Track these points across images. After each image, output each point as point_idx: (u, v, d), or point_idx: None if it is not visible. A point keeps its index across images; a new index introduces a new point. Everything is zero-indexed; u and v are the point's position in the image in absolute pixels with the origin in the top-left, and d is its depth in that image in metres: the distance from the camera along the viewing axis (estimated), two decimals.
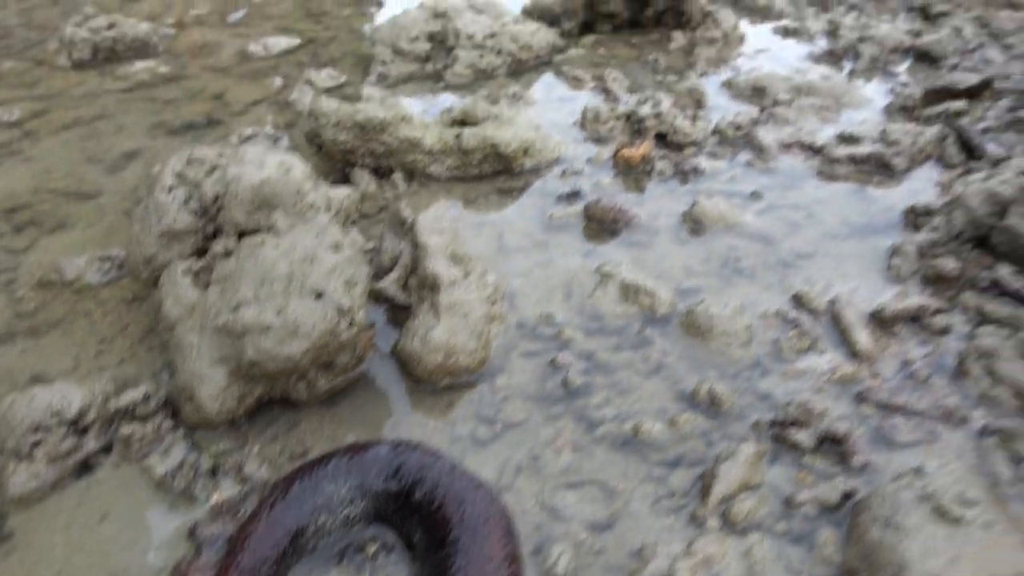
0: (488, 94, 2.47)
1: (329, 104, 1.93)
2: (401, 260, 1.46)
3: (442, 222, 1.51)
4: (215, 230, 1.43)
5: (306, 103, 2.41)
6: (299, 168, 1.51)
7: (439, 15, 2.78)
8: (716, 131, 2.12)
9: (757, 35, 2.91)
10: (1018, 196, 1.54)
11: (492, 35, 2.66)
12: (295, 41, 3.07)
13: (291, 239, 1.31)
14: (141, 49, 3.01)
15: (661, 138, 2.09)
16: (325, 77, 2.65)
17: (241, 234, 1.37)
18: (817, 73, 2.40)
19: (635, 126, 2.13)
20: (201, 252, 1.44)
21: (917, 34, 2.73)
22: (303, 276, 1.25)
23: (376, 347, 1.41)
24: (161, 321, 1.32)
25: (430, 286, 1.37)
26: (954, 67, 2.51)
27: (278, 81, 2.69)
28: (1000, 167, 1.74)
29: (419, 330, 1.31)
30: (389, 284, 1.45)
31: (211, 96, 2.62)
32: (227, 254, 1.34)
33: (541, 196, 1.91)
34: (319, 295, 1.23)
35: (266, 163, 1.47)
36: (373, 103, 2.00)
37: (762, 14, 3.13)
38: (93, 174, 2.13)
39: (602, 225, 1.75)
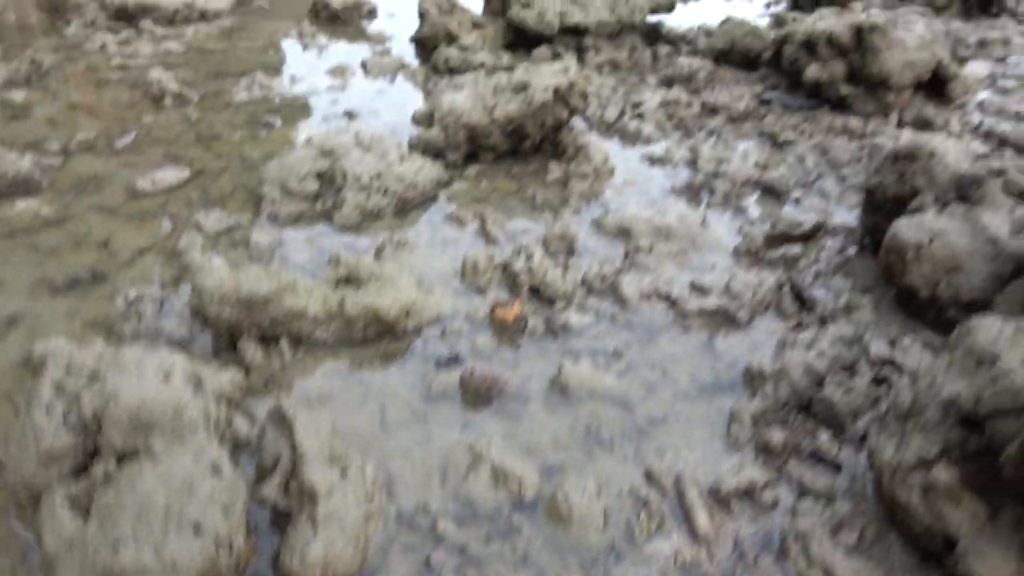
0: (376, 238, 2.60)
1: (213, 280, 2.00)
2: (282, 463, 1.54)
3: (320, 418, 1.61)
4: (95, 447, 1.48)
5: (195, 256, 2.47)
6: (179, 371, 1.59)
7: (327, 153, 2.90)
8: (584, 282, 2.31)
9: (626, 163, 3.16)
10: (831, 367, 1.77)
11: (378, 175, 2.79)
12: (184, 174, 3.11)
13: (169, 464, 1.38)
14: (23, 185, 2.98)
15: (534, 291, 2.26)
16: (214, 220, 2.72)
17: (120, 456, 1.42)
18: (676, 213, 2.64)
19: (511, 279, 2.29)
20: (83, 468, 1.48)
21: (764, 166, 3.03)
22: (181, 507, 1.31)
23: (258, 553, 1.48)
24: (41, 554, 1.36)
25: (308, 495, 1.46)
26: (796, 201, 2.81)
27: (167, 224, 2.73)
28: (824, 328, 1.98)
29: (297, 545, 1.40)
30: (271, 490, 1.52)
31: (97, 243, 2.63)
32: (107, 479, 1.40)
33: (423, 360, 2.03)
34: (197, 528, 1.30)
35: (145, 370, 1.54)
36: (257, 271, 2.09)
37: (632, 139, 3.40)
38: None
39: (478, 394, 1.88)
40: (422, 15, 4.55)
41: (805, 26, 3.66)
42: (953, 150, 2.19)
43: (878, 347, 1.89)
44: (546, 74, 3.13)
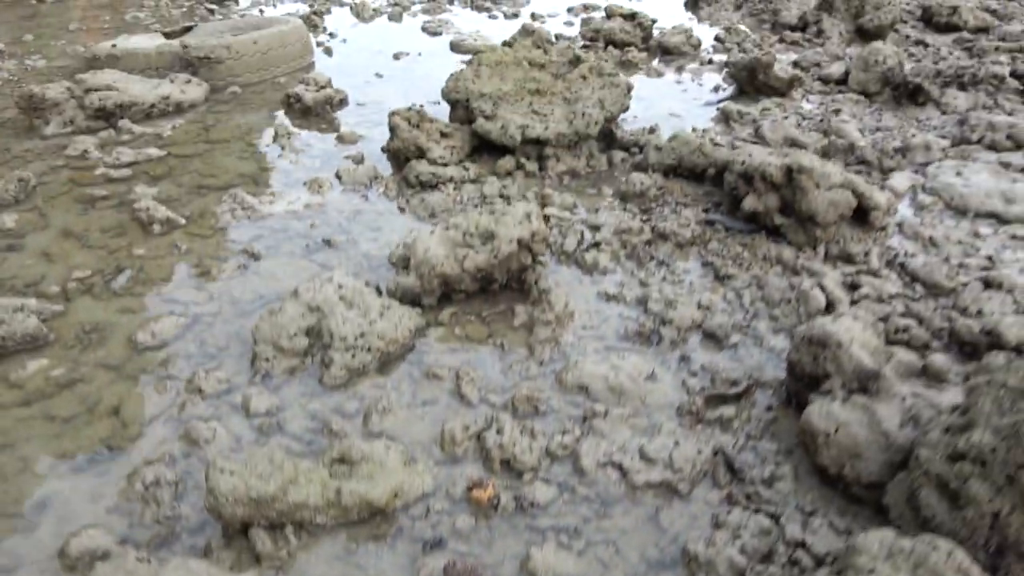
0: (362, 400, 2.91)
1: (226, 483, 2.30)
2: None
3: None
4: None
5: (201, 429, 2.76)
6: None
7: (314, 309, 3.21)
8: (548, 452, 2.65)
9: (585, 302, 3.51)
10: (751, 557, 2.14)
11: (362, 335, 3.11)
12: (181, 322, 3.39)
13: None
14: (31, 342, 3.23)
15: (505, 463, 2.60)
16: (214, 383, 3.00)
17: None
18: (628, 368, 3.00)
19: (485, 452, 2.63)
20: None
21: (707, 307, 3.41)
22: None
23: None
24: None
25: None
26: (734, 347, 3.19)
27: (171, 387, 3.01)
28: (748, 510, 2.36)
29: None
30: None
31: (108, 410, 2.90)
32: None
33: (411, 541, 2.36)
34: None
35: None
36: (263, 463, 2.39)
37: (590, 270, 3.76)
38: (7, 536, 2.38)
39: None
40: (392, 129, 4.86)
41: (742, 157, 4.05)
42: (858, 339, 2.58)
43: (792, 529, 2.27)
44: (510, 223, 3.47)
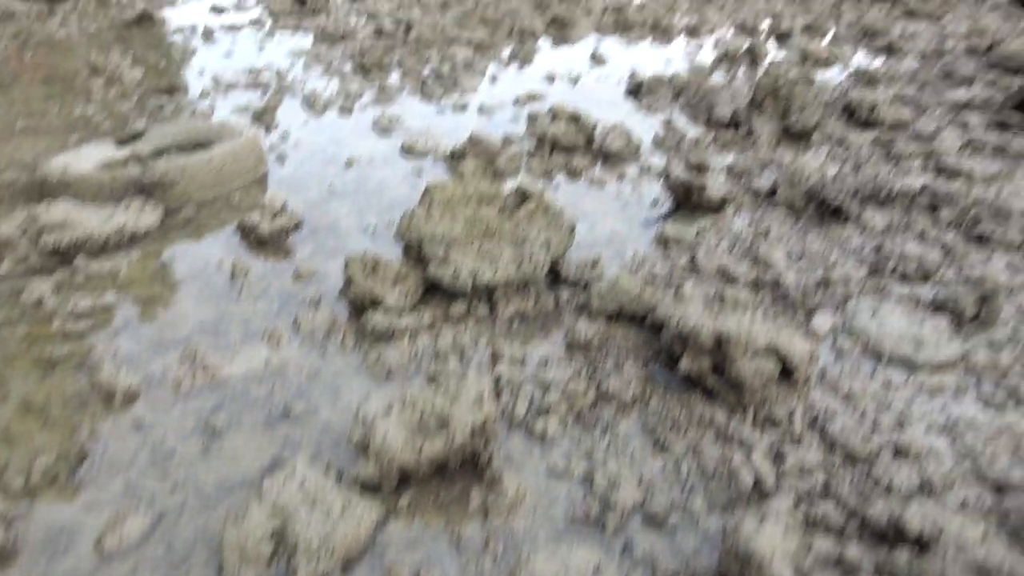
0: None
1: None
2: None
3: None
4: None
5: None
6: None
7: (278, 512, 3.38)
8: None
9: (534, 477, 3.76)
10: None
11: (325, 538, 3.29)
12: (147, 522, 3.52)
13: None
14: (3, 557, 3.33)
15: None
16: None
17: None
18: (576, 564, 3.24)
19: None
20: None
21: (648, 486, 3.68)
22: None
23: None
24: None
25: None
26: (673, 530, 3.46)
27: None
28: None
29: None
30: None
31: None
32: None
33: None
34: None
35: None
36: None
37: (539, 439, 4.01)
38: None
39: None
40: (348, 279, 5.06)
41: (676, 317, 4.36)
42: (779, 552, 2.87)
43: None
44: (464, 408, 3.71)
